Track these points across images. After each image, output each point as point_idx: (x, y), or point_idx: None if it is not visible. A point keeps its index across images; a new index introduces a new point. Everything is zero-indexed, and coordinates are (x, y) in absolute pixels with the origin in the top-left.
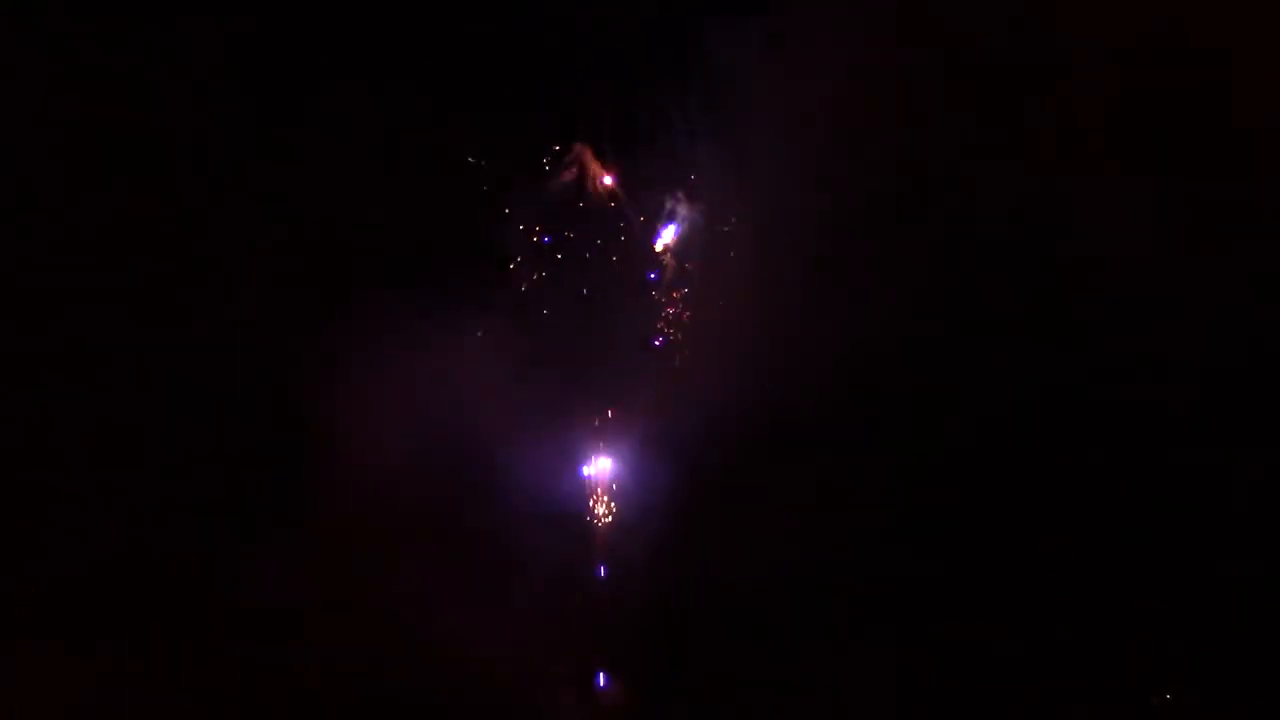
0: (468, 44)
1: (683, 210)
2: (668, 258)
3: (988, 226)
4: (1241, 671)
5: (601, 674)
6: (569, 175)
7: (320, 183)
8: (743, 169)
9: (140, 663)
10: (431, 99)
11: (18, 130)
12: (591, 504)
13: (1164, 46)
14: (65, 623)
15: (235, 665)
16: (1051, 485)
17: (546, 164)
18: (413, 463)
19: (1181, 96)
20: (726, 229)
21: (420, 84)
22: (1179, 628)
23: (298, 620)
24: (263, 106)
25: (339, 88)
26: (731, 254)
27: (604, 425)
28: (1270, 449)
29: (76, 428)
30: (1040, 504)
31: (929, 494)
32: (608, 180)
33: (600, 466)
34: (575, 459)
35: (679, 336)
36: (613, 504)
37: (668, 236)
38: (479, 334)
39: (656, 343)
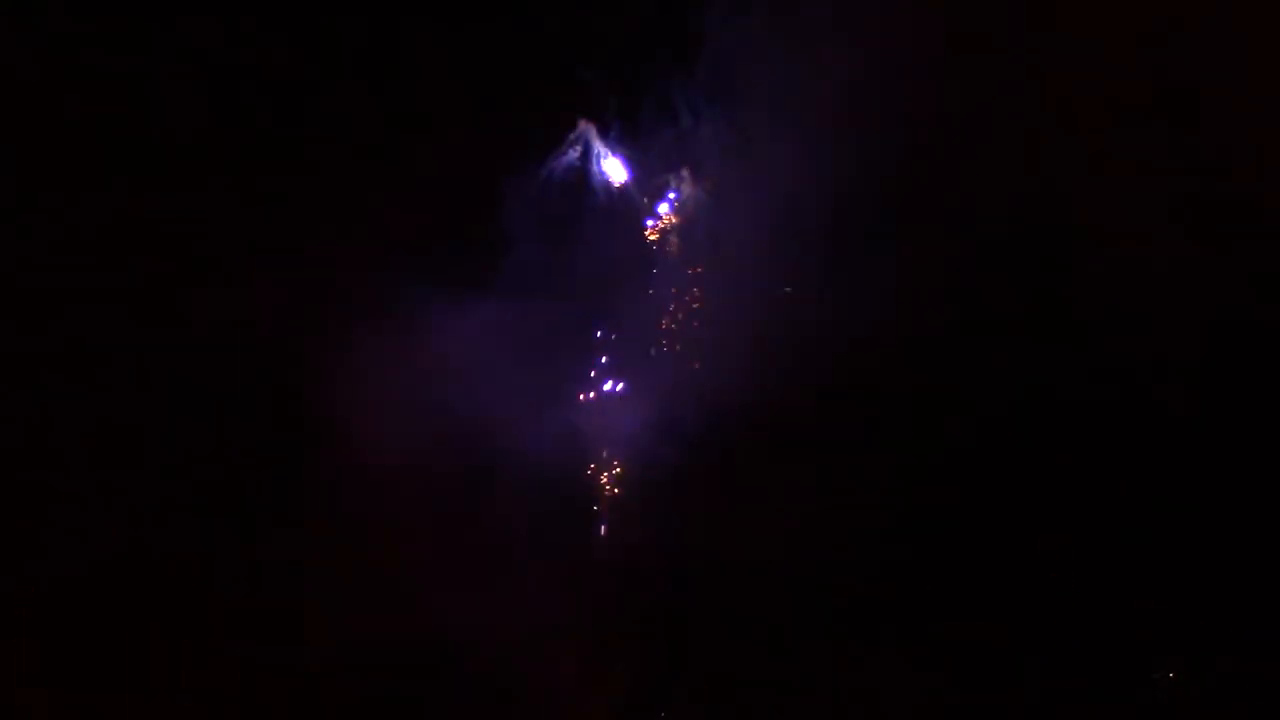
0: (473, 27)
1: (687, 191)
2: (671, 239)
3: (991, 220)
4: (1242, 671)
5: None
6: (573, 155)
7: (321, 171)
8: (746, 152)
9: (140, 662)
10: (434, 82)
11: (18, 130)
12: (595, 490)
13: (1168, 44)
14: (65, 623)
15: (235, 664)
16: (1051, 485)
17: (550, 144)
18: (414, 448)
19: (1186, 94)
20: (730, 211)
21: (423, 68)
22: (1179, 628)
23: (302, 609)
24: (265, 94)
25: (341, 74)
26: (735, 237)
27: (607, 410)
28: (1270, 449)
29: (76, 428)
30: (1040, 504)
31: (929, 490)
32: (612, 161)
33: (603, 452)
34: (578, 445)
35: (682, 320)
36: (616, 490)
37: (671, 218)
38: (480, 318)
39: (659, 327)
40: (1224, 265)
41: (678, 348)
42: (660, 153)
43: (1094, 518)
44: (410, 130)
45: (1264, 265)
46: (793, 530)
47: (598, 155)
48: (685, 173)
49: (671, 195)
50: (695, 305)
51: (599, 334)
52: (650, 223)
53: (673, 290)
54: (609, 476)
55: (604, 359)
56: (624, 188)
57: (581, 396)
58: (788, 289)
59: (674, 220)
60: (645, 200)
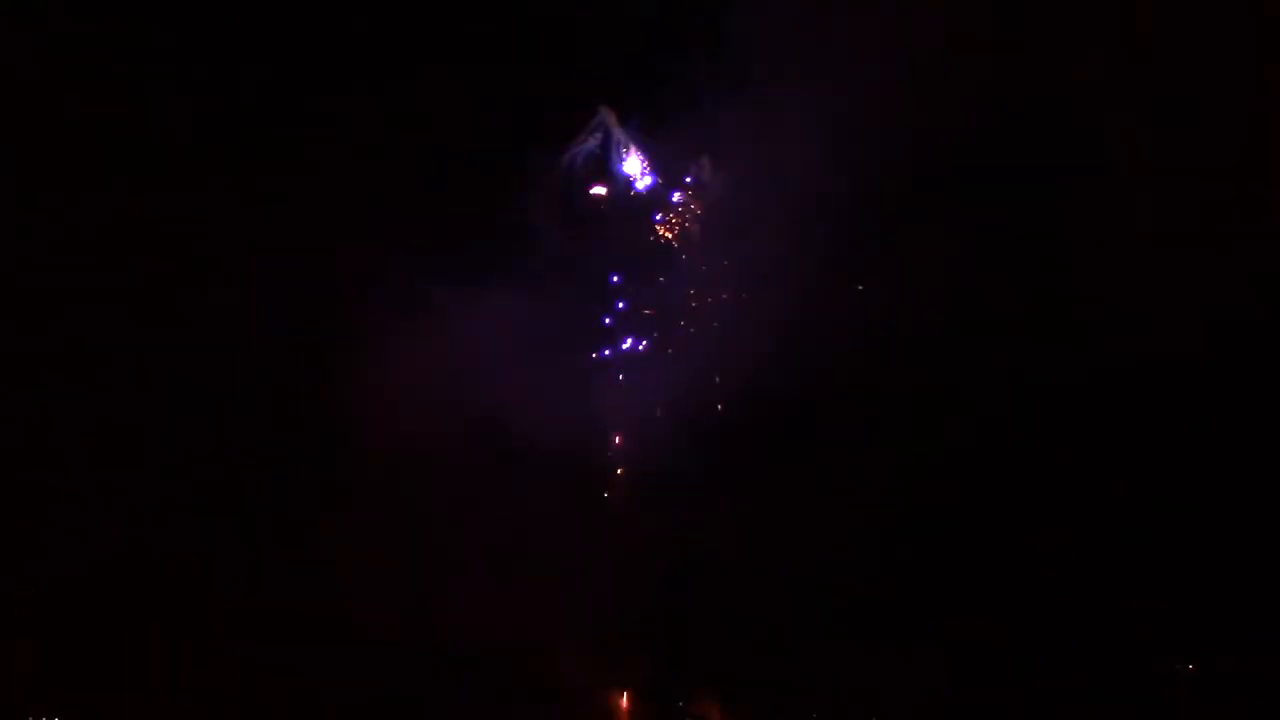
0: (494, 13)
1: (707, 180)
2: (691, 229)
3: (1003, 218)
4: (1242, 671)
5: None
6: (594, 143)
7: (334, 162)
8: (767, 141)
9: (140, 662)
10: (454, 70)
11: (18, 130)
12: (610, 481)
13: (1177, 43)
14: (65, 623)
15: (235, 664)
16: (1051, 485)
17: (571, 132)
18: (429, 438)
19: (1194, 92)
20: (750, 201)
21: (443, 56)
22: (1179, 628)
23: (310, 603)
24: (270, 89)
25: (360, 59)
26: (755, 226)
27: (624, 401)
28: (1270, 449)
29: (76, 428)
30: (1040, 504)
31: (931, 487)
32: (631, 148)
33: (620, 443)
34: (595, 435)
35: (700, 310)
36: (632, 481)
37: (691, 207)
38: (498, 307)
39: (678, 317)
40: (1225, 266)
41: (695, 338)
42: (681, 141)
43: (1094, 518)
44: (429, 119)
45: (1265, 266)
46: (803, 524)
47: (618, 143)
48: (706, 161)
49: (692, 184)
50: (713, 295)
51: (617, 324)
52: (670, 212)
53: (691, 280)
54: (625, 468)
55: (622, 349)
56: (644, 176)
57: (598, 386)
58: (806, 279)
59: (694, 209)
60: (665, 189)
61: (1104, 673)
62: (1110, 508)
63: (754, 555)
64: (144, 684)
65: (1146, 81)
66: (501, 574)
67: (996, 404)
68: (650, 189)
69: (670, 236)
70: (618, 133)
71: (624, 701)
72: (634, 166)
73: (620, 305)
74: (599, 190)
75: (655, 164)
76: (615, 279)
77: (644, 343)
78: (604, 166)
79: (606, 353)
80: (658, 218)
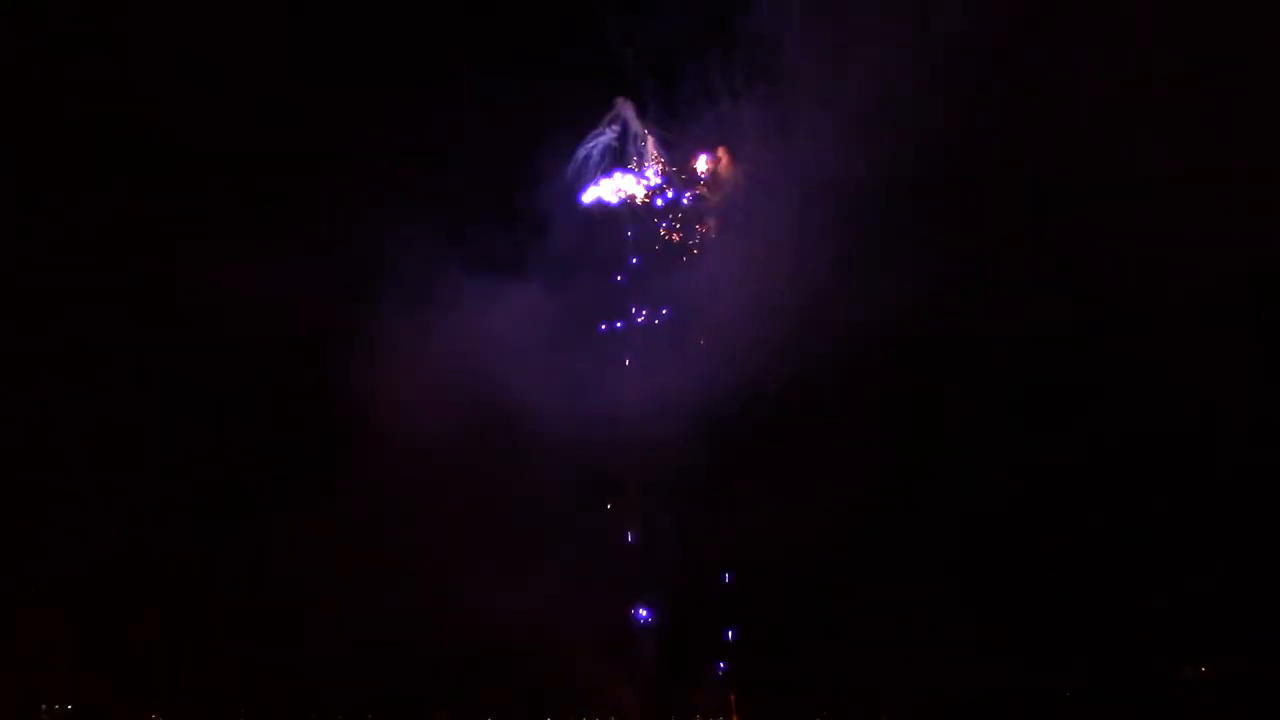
0: (512, 5)
1: (724, 173)
2: (708, 222)
3: (1016, 213)
4: (1242, 671)
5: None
6: (610, 134)
7: (356, 150)
8: (784, 134)
9: (140, 662)
10: (471, 62)
11: (18, 130)
12: (623, 470)
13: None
14: (65, 623)
15: (235, 664)
16: (1051, 485)
17: (588, 124)
18: (445, 429)
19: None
20: (767, 195)
21: (460, 47)
22: (1181, 628)
23: (329, 587)
24: (276, 82)
25: (375, 52)
26: (771, 220)
27: (640, 393)
28: (1270, 450)
29: (76, 428)
30: (1040, 504)
31: (934, 485)
32: (648, 140)
33: (632, 433)
34: (608, 425)
35: (717, 303)
36: (648, 473)
37: (708, 200)
38: (513, 300)
39: (691, 310)
40: (1228, 266)
41: (710, 332)
42: (698, 134)
43: (1094, 518)
44: (446, 112)
45: (1266, 267)
46: (811, 519)
47: (636, 135)
48: (722, 154)
49: (707, 176)
50: (728, 288)
51: (631, 317)
52: (686, 204)
53: (706, 273)
54: (641, 459)
55: (636, 342)
56: (661, 169)
57: (611, 381)
58: (822, 263)
59: (711, 202)
60: (681, 181)
61: (1104, 673)
62: (1110, 508)
63: (760, 552)
64: (144, 684)
65: (1159, 87)
66: (511, 570)
67: (997, 404)
68: (666, 181)
69: (685, 229)
70: (635, 125)
71: (631, 697)
72: (650, 158)
73: (635, 298)
74: (615, 182)
75: (671, 156)
76: (630, 272)
77: (658, 336)
78: (621, 158)
79: (620, 345)
80: (673, 210)
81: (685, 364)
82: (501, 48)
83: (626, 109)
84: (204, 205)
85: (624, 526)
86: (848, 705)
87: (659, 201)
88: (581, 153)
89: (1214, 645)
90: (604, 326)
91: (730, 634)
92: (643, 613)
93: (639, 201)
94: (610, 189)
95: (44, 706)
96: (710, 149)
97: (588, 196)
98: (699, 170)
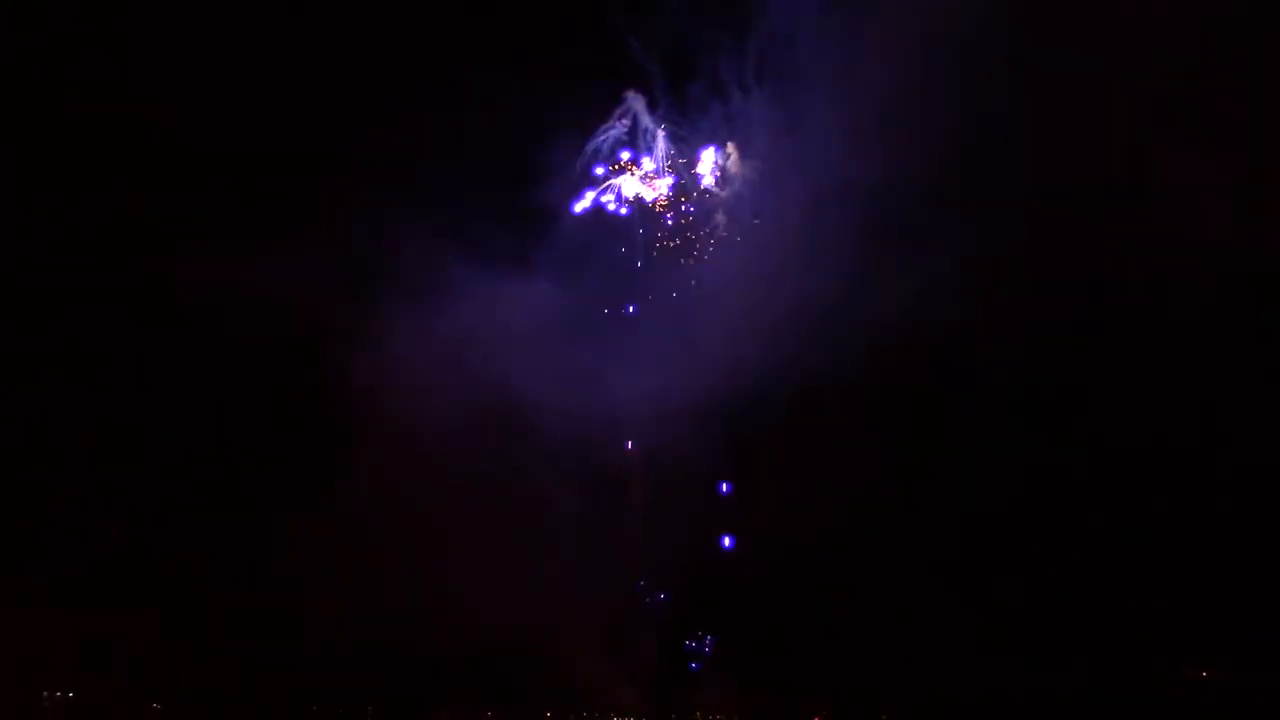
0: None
1: (733, 168)
2: (717, 217)
3: (1028, 212)
4: (1242, 671)
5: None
6: (620, 128)
7: (356, 150)
8: (795, 131)
9: (141, 662)
10: (481, 54)
11: (18, 130)
12: (629, 467)
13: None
14: (65, 623)
15: (235, 664)
16: (1051, 485)
17: (598, 118)
18: (446, 428)
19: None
20: (776, 190)
21: (469, 39)
22: (1179, 628)
23: (329, 587)
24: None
25: (382, 46)
26: (780, 215)
27: (643, 387)
28: (1270, 450)
29: (76, 428)
30: (1040, 504)
31: (935, 483)
32: (658, 134)
33: (638, 430)
34: (614, 422)
35: (724, 298)
36: (650, 467)
37: (717, 195)
38: (521, 295)
39: (699, 305)
40: (1228, 267)
41: (717, 328)
42: (708, 129)
43: (1094, 518)
44: (449, 108)
45: (1265, 268)
46: (815, 515)
47: (645, 130)
48: (732, 149)
49: (718, 172)
50: (736, 284)
51: (639, 312)
52: (694, 200)
53: (715, 269)
54: (643, 454)
55: (643, 338)
56: (670, 163)
57: (618, 376)
58: (833, 261)
59: (720, 197)
60: (692, 176)
61: (1104, 673)
62: (1110, 508)
63: (762, 551)
64: (144, 684)
65: (1169, 88)
66: (512, 569)
67: (998, 404)
68: (675, 176)
69: (694, 225)
70: (645, 119)
71: (631, 695)
72: (660, 153)
73: (642, 295)
74: (625, 176)
75: (681, 151)
76: (637, 269)
77: (663, 333)
78: (631, 152)
79: (625, 343)
80: (682, 206)
81: (690, 362)
82: (506, 43)
83: (637, 103)
84: (204, 205)
85: (626, 525)
86: (848, 705)
87: (668, 195)
88: (591, 147)
89: (1214, 645)
90: (609, 322)
91: (728, 633)
92: (656, 593)
93: (647, 201)
94: (619, 183)
95: (46, 694)
96: (720, 145)
97: (579, 207)
98: (708, 166)
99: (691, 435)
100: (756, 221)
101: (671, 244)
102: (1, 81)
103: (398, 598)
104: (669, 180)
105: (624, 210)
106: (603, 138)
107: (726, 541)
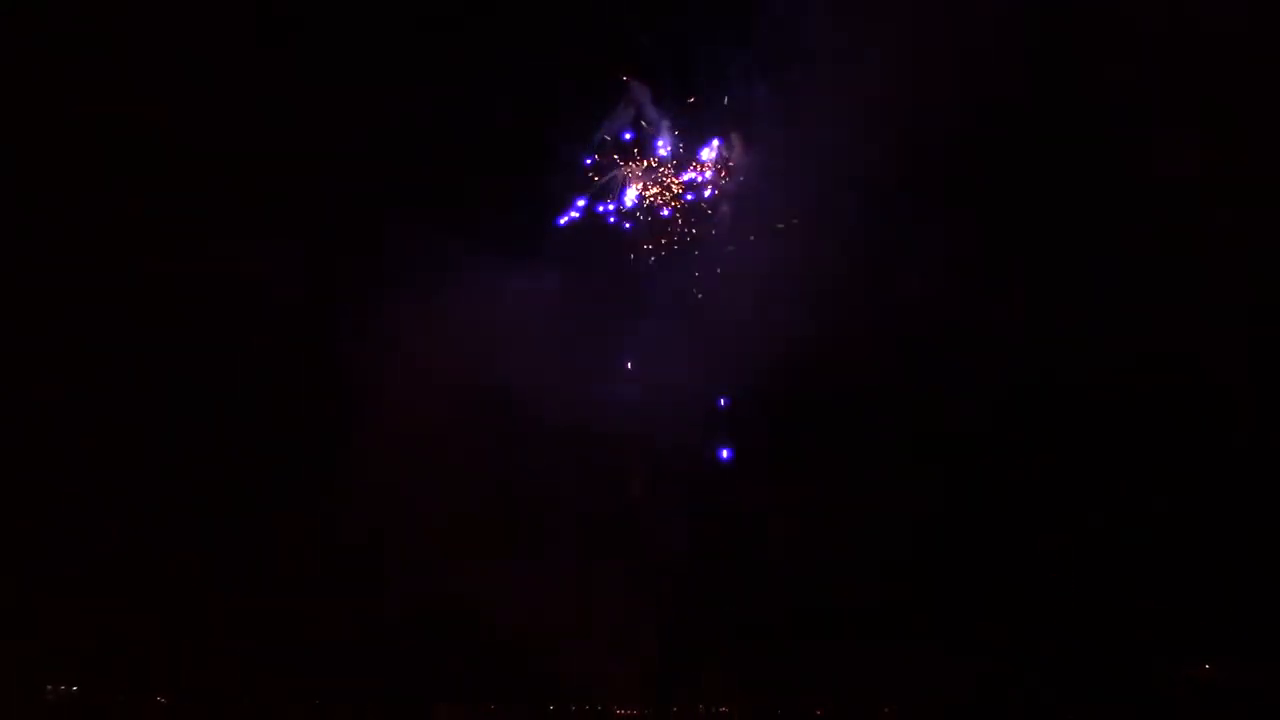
0: None
1: (737, 157)
2: (721, 207)
3: (1027, 203)
4: (1242, 671)
5: None
6: (623, 118)
7: (356, 149)
8: (797, 120)
9: (140, 662)
10: (485, 42)
11: (18, 130)
12: (629, 456)
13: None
14: (65, 622)
15: (235, 664)
16: (1051, 485)
17: (603, 106)
18: (450, 414)
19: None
20: (780, 179)
21: (473, 28)
22: (1179, 628)
23: (329, 587)
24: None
25: (381, 33)
26: (784, 204)
27: (647, 379)
28: (1270, 450)
29: (76, 428)
30: (1040, 504)
31: (936, 482)
32: (661, 124)
33: (641, 422)
34: (613, 409)
35: (724, 286)
36: (650, 457)
37: (721, 184)
38: (523, 287)
39: (700, 294)
40: (1229, 266)
41: (722, 320)
42: (712, 117)
43: (1094, 518)
44: (456, 94)
45: (1264, 269)
46: (810, 519)
47: (649, 120)
48: (735, 139)
49: (720, 162)
50: (741, 276)
51: (643, 302)
52: (698, 189)
53: (719, 261)
54: (645, 447)
55: (647, 327)
56: (674, 152)
57: (622, 371)
58: (834, 250)
59: (724, 186)
60: (696, 165)
61: (1104, 673)
62: (1110, 508)
63: (766, 549)
64: (144, 684)
65: (1171, 84)
66: (512, 566)
67: (999, 402)
68: (679, 166)
69: (698, 215)
70: (648, 109)
71: (633, 687)
72: (663, 143)
73: (647, 285)
74: (628, 167)
75: (684, 141)
76: (644, 256)
77: (670, 325)
78: (634, 142)
79: (636, 330)
80: (686, 196)
81: (694, 354)
82: (515, 27)
83: (640, 92)
84: (204, 205)
85: (628, 519)
86: (848, 705)
87: (672, 185)
88: (594, 135)
89: (1214, 645)
90: (612, 316)
91: (731, 626)
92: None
93: (650, 186)
94: (622, 173)
95: (49, 687)
96: (723, 133)
97: (601, 179)
98: (712, 154)
99: (693, 428)
100: (780, 226)
101: (675, 237)
102: (1, 81)
103: (395, 598)
104: (673, 172)
105: (628, 204)
106: (605, 127)
107: (724, 453)
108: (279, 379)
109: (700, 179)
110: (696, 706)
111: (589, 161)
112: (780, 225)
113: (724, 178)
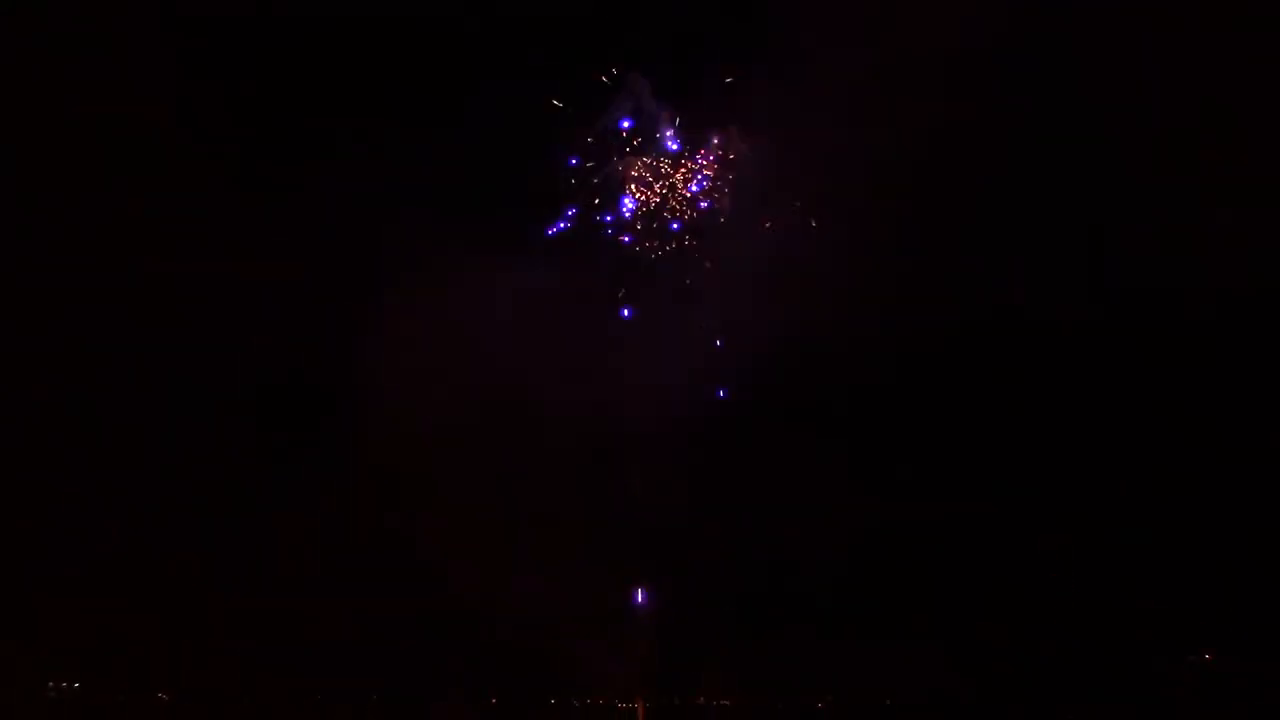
0: None
1: (735, 149)
2: (718, 198)
3: (1027, 203)
4: (1242, 671)
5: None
6: (622, 109)
7: (356, 149)
8: (796, 113)
9: (140, 662)
10: (481, 36)
11: (18, 130)
12: (625, 450)
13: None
14: (65, 622)
15: (235, 664)
16: (1051, 485)
17: (600, 97)
18: (450, 412)
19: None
20: (778, 171)
21: (468, 24)
22: (1179, 628)
23: (329, 587)
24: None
25: (377, 28)
26: (782, 197)
27: (643, 374)
28: (1270, 450)
29: (76, 428)
30: (1040, 504)
31: (933, 484)
32: (661, 117)
33: (639, 416)
34: (612, 404)
35: (723, 281)
36: (647, 453)
37: (719, 176)
38: (522, 279)
39: (700, 288)
40: (1227, 269)
41: (719, 313)
42: (710, 111)
43: (1094, 518)
44: (455, 88)
45: (1263, 268)
46: (810, 518)
47: (648, 112)
48: (734, 131)
49: (720, 154)
50: (739, 267)
51: (640, 295)
52: (697, 182)
53: (717, 252)
54: (644, 441)
55: (643, 321)
56: (672, 144)
57: (617, 364)
58: (834, 244)
59: (722, 178)
60: (693, 157)
61: (1104, 673)
62: (1110, 508)
63: (761, 545)
64: (144, 684)
65: (1174, 83)
66: (513, 561)
67: (999, 401)
68: (678, 158)
69: (696, 208)
70: (647, 101)
71: (633, 681)
72: (663, 135)
73: (646, 276)
74: (626, 159)
75: (684, 133)
76: (641, 249)
77: (666, 321)
78: (632, 135)
79: (631, 324)
80: (685, 188)
81: (693, 350)
82: (512, 21)
83: (639, 85)
84: (204, 205)
85: (628, 514)
86: (848, 705)
87: (671, 178)
88: (593, 128)
89: (1214, 644)
90: (613, 313)
91: (730, 621)
92: (640, 597)
93: (649, 178)
94: (621, 165)
95: (51, 684)
96: (723, 125)
97: (593, 170)
98: (711, 147)
99: (692, 424)
100: (760, 206)
101: (675, 225)
102: (1, 81)
103: (395, 598)
104: (674, 165)
105: (628, 199)
106: (604, 119)
107: (720, 393)
108: (279, 379)
109: (700, 176)
110: (697, 701)
111: (573, 163)
112: (773, 225)
113: (726, 170)
